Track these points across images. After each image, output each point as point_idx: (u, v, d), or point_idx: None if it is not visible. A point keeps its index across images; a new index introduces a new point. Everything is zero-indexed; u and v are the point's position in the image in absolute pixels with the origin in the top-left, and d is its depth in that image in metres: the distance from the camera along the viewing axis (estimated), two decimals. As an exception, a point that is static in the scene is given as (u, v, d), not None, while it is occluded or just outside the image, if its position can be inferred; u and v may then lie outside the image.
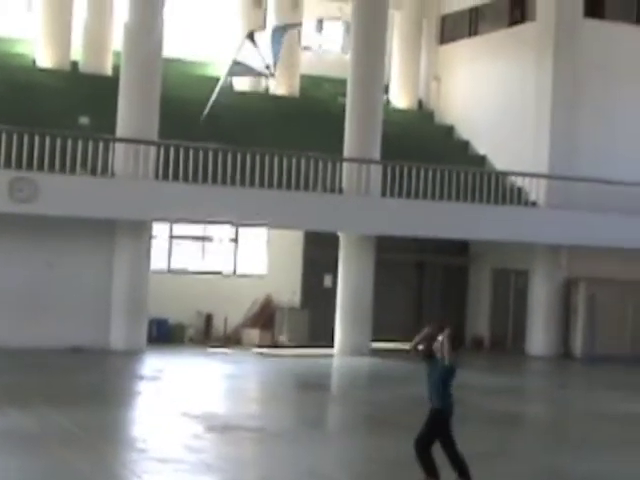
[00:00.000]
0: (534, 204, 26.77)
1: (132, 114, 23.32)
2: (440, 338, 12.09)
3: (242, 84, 29.52)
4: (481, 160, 29.41)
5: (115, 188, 22.68)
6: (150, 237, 23.97)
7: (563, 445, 15.53)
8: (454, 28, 31.82)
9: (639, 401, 20.03)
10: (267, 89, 29.97)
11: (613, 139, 27.75)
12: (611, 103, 27.85)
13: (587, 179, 26.47)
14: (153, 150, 23.18)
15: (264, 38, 25.96)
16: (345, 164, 24.94)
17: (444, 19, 32.29)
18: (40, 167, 21.94)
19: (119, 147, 23.10)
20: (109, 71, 27.56)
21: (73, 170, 22.34)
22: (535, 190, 26.63)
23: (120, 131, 23.38)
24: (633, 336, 27.06)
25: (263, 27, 29.60)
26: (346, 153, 25.17)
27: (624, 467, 13.55)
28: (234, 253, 26.89)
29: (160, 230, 25.52)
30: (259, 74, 25.77)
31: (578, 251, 27.05)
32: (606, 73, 27.70)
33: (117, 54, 25.69)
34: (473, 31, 31.10)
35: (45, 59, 27.59)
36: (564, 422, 18.08)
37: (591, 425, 17.39)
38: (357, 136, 25.17)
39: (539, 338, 27.22)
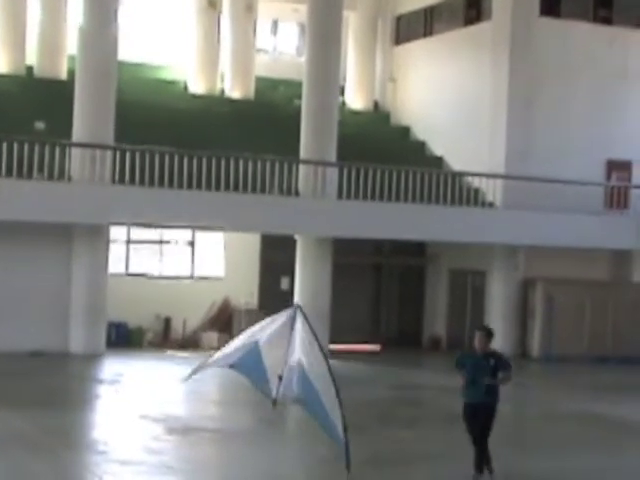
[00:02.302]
0: (491, 205, 26.89)
1: (88, 118, 23.17)
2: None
3: (197, 87, 29.44)
4: (437, 161, 29.50)
5: (72, 193, 22.54)
6: (108, 241, 23.83)
7: (520, 445, 15.60)
8: (409, 28, 31.89)
9: (596, 401, 20.13)
10: (222, 92, 29.88)
11: (569, 138, 27.92)
12: (567, 102, 28.02)
13: (544, 179, 26.61)
14: (109, 154, 23.05)
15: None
16: (301, 166, 24.92)
17: (399, 19, 32.35)
18: (-4, 172, 21.76)
19: (75, 152, 22.94)
20: (64, 75, 27.38)
21: (30, 175, 22.17)
22: (492, 190, 26.75)
23: (76, 135, 23.22)
24: (590, 336, 27.22)
25: (217, 29, 29.54)
26: (302, 155, 25.16)
27: (580, 466, 13.63)
28: (191, 256, 26.78)
29: (118, 234, 25.36)
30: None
31: (535, 251, 27.20)
32: (562, 72, 27.85)
33: (72, 58, 25.54)
34: (428, 31, 31.18)
35: (0, 64, 27.35)
36: (521, 422, 18.16)
37: (548, 425, 17.46)
38: (313, 138, 25.16)
39: (496, 338, 26.98)
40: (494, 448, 15.17)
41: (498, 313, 27.31)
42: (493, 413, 12.56)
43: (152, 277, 26.21)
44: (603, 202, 28.00)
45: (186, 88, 29.63)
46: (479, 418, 12.45)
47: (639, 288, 28.29)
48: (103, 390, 19.32)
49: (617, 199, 28.00)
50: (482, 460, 12.33)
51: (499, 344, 27.00)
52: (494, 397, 12.59)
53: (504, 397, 21.16)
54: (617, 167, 28.50)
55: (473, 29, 29.18)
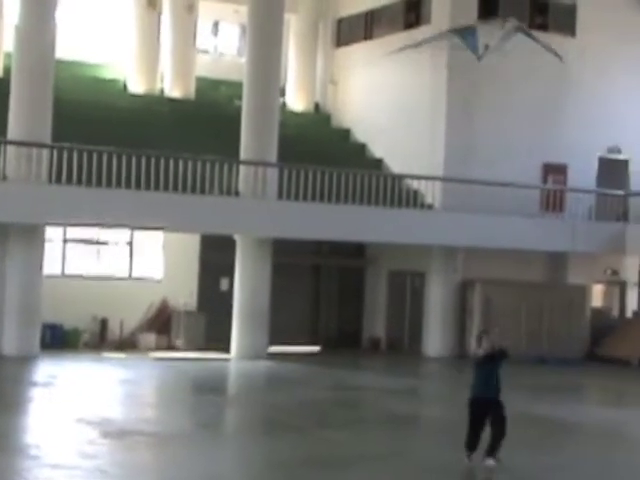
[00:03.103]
0: (430, 207, 27.04)
1: (24, 116, 22.88)
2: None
3: (136, 86, 29.24)
4: (377, 163, 29.61)
5: (7, 192, 22.21)
6: (43, 241, 23.55)
7: (456, 446, 15.66)
8: (350, 31, 31.95)
9: (534, 402, 20.33)
10: (162, 91, 29.71)
11: (507, 142, 28.17)
12: (505, 106, 28.29)
13: (482, 182, 26.82)
14: (46, 153, 22.78)
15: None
16: (241, 167, 24.85)
17: (340, 22, 32.41)
18: None
19: (11, 150, 22.64)
20: (0, 73, 27.00)
21: (-37, 173, 21.87)
22: (431, 193, 26.90)
23: (12, 133, 22.92)
24: (528, 337, 27.49)
25: (157, 29, 29.38)
26: (242, 156, 25.09)
27: (521, 467, 13.71)
28: (130, 257, 26.58)
29: (54, 234, 25.07)
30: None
31: (474, 253, 27.41)
32: (500, 77, 28.12)
33: (8, 56, 25.21)
34: (369, 34, 31.26)
35: None
36: (458, 423, 18.20)
37: (488, 426, 17.54)
38: (253, 139, 25.11)
39: (435, 339, 27.51)
40: (437, 449, 15.31)
41: (437, 314, 27.50)
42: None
43: (89, 278, 25.94)
44: (539, 205, 28.29)
45: (125, 87, 29.42)
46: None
47: (574, 290, 28.63)
48: (36, 393, 19.04)
49: (553, 202, 28.30)
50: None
51: (438, 345, 27.38)
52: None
53: (441, 400, 21.43)
54: (553, 170, 28.83)
55: (413, 33, 29.25)
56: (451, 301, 27.58)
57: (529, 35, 26.22)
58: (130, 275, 26.56)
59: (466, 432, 13.48)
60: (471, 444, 13.36)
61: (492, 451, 13.16)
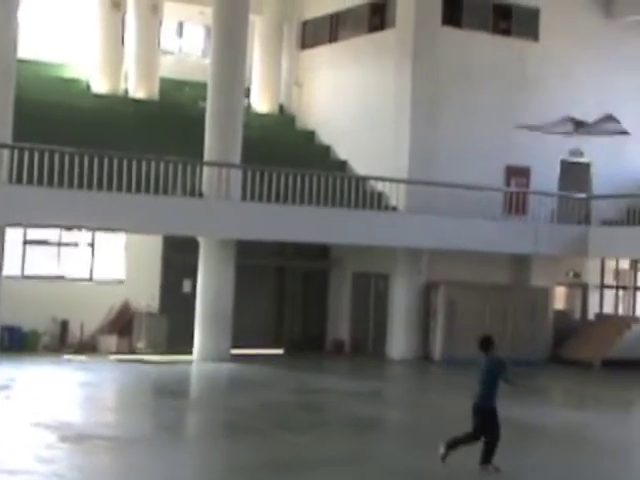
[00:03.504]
0: (394, 209, 27.04)
1: (-15, 117, 22.60)
2: None
3: (100, 86, 29.05)
4: (342, 165, 29.59)
5: (-33, 192, 21.96)
6: (3, 242, 23.27)
7: (420, 448, 15.68)
8: (315, 34, 31.95)
9: (498, 404, 20.30)
10: (126, 92, 29.52)
11: (471, 144, 28.24)
12: (469, 109, 28.37)
13: (446, 184, 26.86)
14: (7, 153, 22.50)
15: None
16: (205, 168, 24.74)
17: (305, 24, 32.39)
18: None
19: (-30, 150, 22.39)
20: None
21: None
22: (395, 195, 26.90)
23: (-29, 134, 22.66)
24: (491, 339, 27.52)
25: (121, 29, 29.20)
26: (206, 157, 24.98)
27: (478, 468, 13.71)
28: (91, 258, 26.36)
29: (14, 235, 24.79)
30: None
31: (438, 255, 27.45)
32: (464, 80, 28.23)
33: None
34: (334, 37, 31.27)
35: None
36: (422, 425, 18.26)
37: (449, 427, 17.54)
38: (217, 140, 25.00)
39: (399, 342, 27.51)
40: (400, 452, 15.29)
41: (401, 316, 27.51)
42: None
43: (49, 279, 25.70)
44: (503, 207, 28.39)
45: (89, 87, 29.20)
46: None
47: (537, 292, 28.75)
48: (-6, 396, 18.85)
49: (516, 205, 28.41)
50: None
51: (402, 348, 27.38)
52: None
53: (403, 401, 21.43)
54: (516, 173, 28.94)
55: (377, 36, 29.35)
56: (415, 303, 27.59)
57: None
58: (91, 277, 26.32)
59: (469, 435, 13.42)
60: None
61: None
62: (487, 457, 13.30)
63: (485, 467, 13.28)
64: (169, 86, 30.04)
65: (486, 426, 13.27)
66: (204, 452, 14.71)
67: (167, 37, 31.16)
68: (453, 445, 13.44)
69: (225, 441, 15.80)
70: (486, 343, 13.56)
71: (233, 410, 18.36)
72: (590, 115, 29.65)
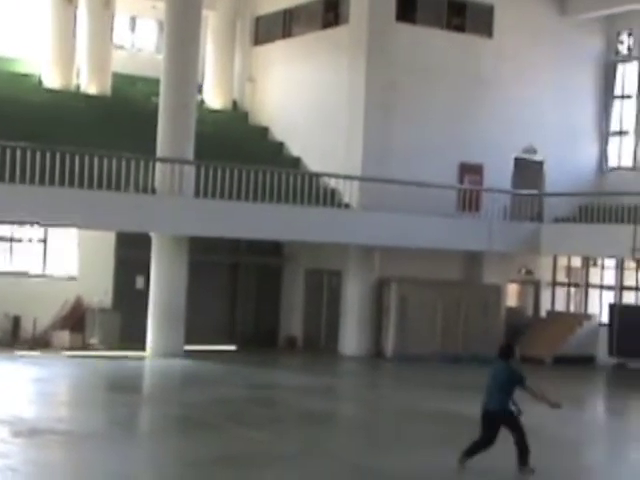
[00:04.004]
0: (347, 206, 27.07)
1: None
2: None
3: (52, 81, 28.81)
4: (295, 161, 29.58)
5: None
6: (-46, 238, 23.05)
7: (373, 444, 15.74)
8: (268, 29, 31.90)
9: (447, 399, 20.48)
10: (78, 87, 29.29)
11: (425, 142, 28.34)
12: (423, 106, 28.46)
13: (399, 181, 26.94)
14: (-43, 148, 22.30)
15: None
16: (158, 164, 24.61)
17: (258, 20, 32.34)
18: None
19: None
20: None
21: None
22: (348, 192, 26.93)
23: None
24: (443, 335, 27.72)
25: (74, 23, 28.98)
26: (159, 153, 24.86)
27: (432, 464, 13.78)
28: (43, 254, 26.15)
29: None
30: None
31: (390, 252, 27.53)
32: (418, 77, 28.30)
33: None
34: (287, 33, 31.24)
35: None
36: (375, 421, 18.33)
37: (401, 423, 17.68)
38: (170, 136, 24.88)
39: (352, 338, 27.56)
40: (348, 446, 15.34)
41: (353, 313, 27.56)
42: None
43: (1, 275, 25.45)
44: (456, 204, 28.52)
45: (40, 82, 28.96)
46: None
47: (489, 289, 28.93)
48: (-54, 392, 18.66)
49: (469, 202, 28.55)
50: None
51: (354, 344, 27.45)
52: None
53: (355, 397, 21.50)
54: (469, 170, 29.08)
55: (331, 32, 29.37)
56: (367, 300, 27.65)
57: None
58: (44, 272, 26.15)
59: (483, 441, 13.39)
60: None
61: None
62: (523, 459, 13.22)
63: (523, 469, 13.21)
64: (122, 81, 29.85)
65: (512, 427, 13.19)
66: (157, 447, 14.67)
67: (120, 32, 30.96)
68: (470, 453, 13.27)
69: (178, 436, 15.75)
70: (507, 351, 13.37)
71: (186, 405, 18.30)
72: (545, 113, 30.04)
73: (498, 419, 13.17)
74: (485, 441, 13.23)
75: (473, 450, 13.26)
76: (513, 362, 13.33)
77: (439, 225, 27.29)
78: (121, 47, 31.10)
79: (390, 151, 27.74)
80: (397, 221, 26.68)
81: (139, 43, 31.87)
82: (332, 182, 27.27)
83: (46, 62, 28.89)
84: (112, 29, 29.77)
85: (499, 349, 13.50)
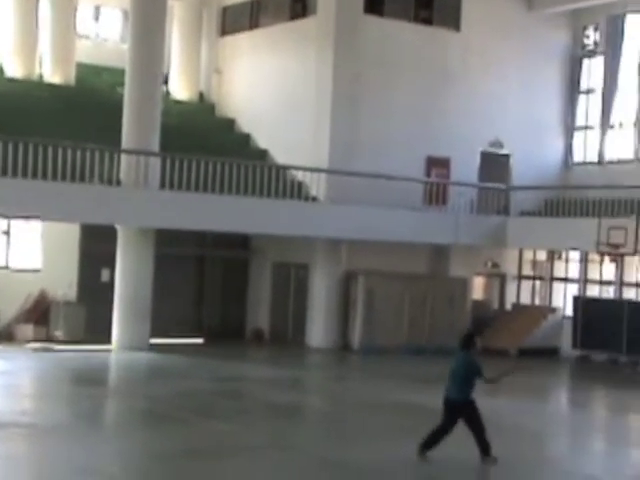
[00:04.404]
0: (314, 199, 26.99)
1: None
2: None
3: (14, 70, 28.49)
4: (262, 154, 29.45)
5: None
6: None
7: (338, 436, 15.71)
8: (235, 20, 31.73)
9: (413, 391, 20.48)
10: (41, 77, 29.00)
11: (392, 135, 28.31)
12: (391, 99, 28.42)
13: (366, 174, 26.89)
14: None
15: None
16: (123, 155, 24.38)
17: (225, 11, 32.15)
18: None
19: None
20: None
21: None
22: (315, 185, 26.84)
23: None
24: (410, 328, 27.73)
25: (36, 13, 28.64)
26: (124, 144, 24.64)
27: (396, 455, 13.75)
28: (7, 246, 25.87)
29: None
30: None
31: (357, 245, 27.48)
32: (385, 69, 28.26)
33: None
34: (254, 24, 31.09)
35: None
36: (341, 413, 18.30)
37: (366, 415, 17.65)
38: (135, 127, 24.67)
39: (319, 330, 27.50)
40: (314, 438, 15.30)
41: (320, 306, 27.50)
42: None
43: (-36, 267, 25.22)
44: (423, 198, 28.52)
45: (2, 71, 28.63)
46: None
47: (455, 282, 28.97)
48: None
49: (436, 195, 28.55)
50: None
51: (321, 337, 27.40)
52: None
53: (322, 389, 21.45)
54: (436, 164, 29.09)
55: (298, 23, 29.25)
56: (334, 292, 27.59)
57: None
58: (7, 265, 25.86)
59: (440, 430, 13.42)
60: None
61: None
62: (484, 449, 13.27)
63: (486, 459, 13.27)
64: (86, 71, 29.59)
65: (468, 419, 13.24)
66: (123, 440, 14.55)
67: (84, 21, 30.67)
68: (428, 445, 13.31)
69: (144, 429, 15.62)
70: (468, 341, 13.49)
71: (152, 398, 18.17)
72: (512, 107, 30.10)
73: (457, 408, 13.22)
74: (442, 429, 13.28)
75: (431, 441, 13.30)
76: (473, 352, 13.45)
77: (406, 218, 27.27)
78: (85, 37, 30.82)
79: (357, 144, 27.69)
80: (364, 214, 26.63)
81: (103, 33, 31.61)
82: (299, 175, 27.17)
83: (8, 51, 28.58)
84: (75, 18, 29.47)
85: (460, 339, 13.66)
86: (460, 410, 13.27)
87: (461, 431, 13.35)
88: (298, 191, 26.51)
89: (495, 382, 13.62)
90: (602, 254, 26.79)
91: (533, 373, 24.92)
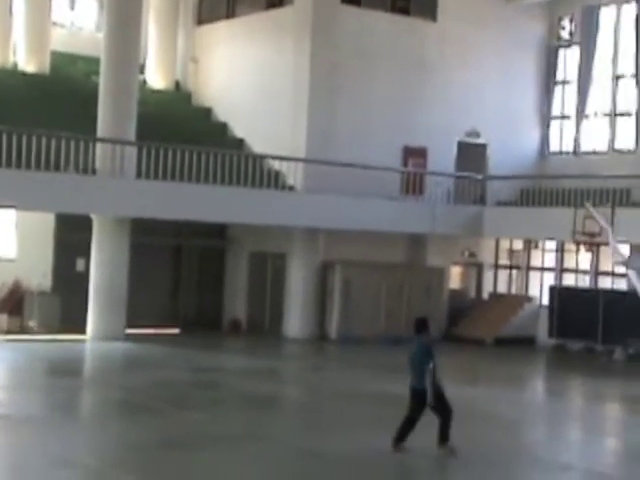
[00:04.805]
0: (291, 188, 26.93)
1: None
2: None
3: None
4: (239, 143, 29.33)
5: None
6: None
7: (315, 426, 15.70)
8: (212, 9, 31.56)
9: (390, 381, 20.42)
10: (16, 65, 28.78)
11: (369, 124, 28.26)
12: (368, 89, 28.36)
13: (343, 163, 26.83)
14: None
15: None
16: (99, 145, 24.25)
17: (202, 0, 31.99)
18: None
19: None
20: None
21: None
22: (293, 174, 26.79)
23: None
24: (387, 317, 27.74)
25: (10, 3, 28.40)
26: (100, 133, 24.50)
27: (373, 444, 13.73)
28: (-19, 236, 25.75)
29: None
30: None
31: (335, 235, 27.46)
32: (363, 59, 28.19)
33: None
34: (231, 13, 30.95)
35: None
36: (317, 403, 18.28)
37: (343, 405, 17.64)
38: (111, 116, 24.53)
39: (296, 320, 27.47)
40: (290, 428, 15.27)
41: (297, 296, 27.46)
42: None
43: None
44: (400, 187, 28.50)
45: (-24, 60, 28.41)
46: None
47: (433, 271, 29.01)
48: None
49: (413, 185, 28.54)
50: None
51: (298, 327, 27.37)
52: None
53: (298, 379, 21.42)
54: (413, 154, 29.05)
55: (275, 13, 29.15)
56: (312, 282, 27.57)
57: None
58: (-19, 255, 25.73)
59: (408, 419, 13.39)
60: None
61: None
62: (443, 437, 13.25)
63: (443, 446, 13.24)
64: (61, 60, 29.38)
65: (423, 407, 13.21)
66: (98, 431, 14.48)
67: (59, 9, 30.42)
68: (401, 437, 13.29)
69: (119, 420, 15.56)
70: (421, 326, 13.50)
71: (128, 389, 18.09)
72: (488, 97, 30.09)
73: (423, 396, 13.19)
74: (410, 419, 13.28)
75: (403, 433, 13.29)
76: (426, 337, 13.51)
77: (383, 208, 27.25)
78: (60, 25, 30.58)
79: (334, 133, 27.65)
80: (341, 204, 26.59)
81: (79, 21, 31.35)
82: (276, 164, 27.10)
83: (-18, 40, 28.36)
84: (50, 6, 29.23)
85: (414, 325, 13.67)
86: (424, 398, 13.21)
87: (434, 420, 13.33)
88: (275, 180, 26.43)
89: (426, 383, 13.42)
90: (578, 243, 26.81)
91: (510, 363, 25.07)
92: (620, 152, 29.72)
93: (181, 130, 27.93)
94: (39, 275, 25.65)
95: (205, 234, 28.33)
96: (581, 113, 30.51)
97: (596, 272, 28.41)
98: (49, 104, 26.77)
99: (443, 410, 13.26)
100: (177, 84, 31.77)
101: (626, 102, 29.70)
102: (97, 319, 24.53)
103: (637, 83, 28.38)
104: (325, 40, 27.52)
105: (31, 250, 25.84)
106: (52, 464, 12.10)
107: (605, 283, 28.32)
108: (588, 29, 30.34)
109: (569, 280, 29.34)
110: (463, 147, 30.13)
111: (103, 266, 24.57)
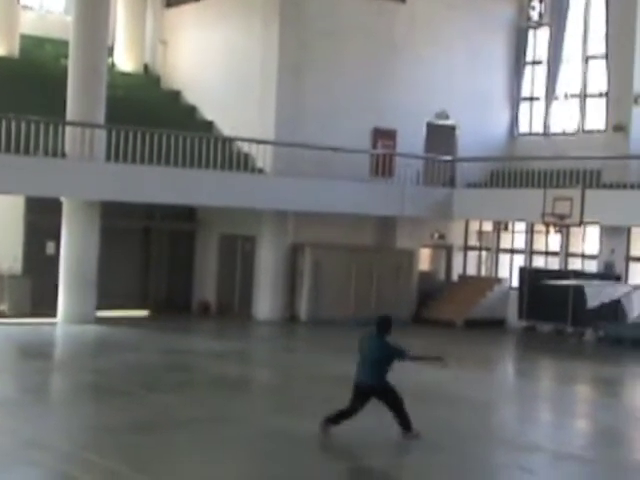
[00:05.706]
0: (261, 171, 26.95)
1: None
2: None
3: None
4: (208, 126, 29.30)
5: None
6: None
7: (286, 407, 15.77)
8: (180, -9, 31.51)
9: (352, 363, 20.52)
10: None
11: (338, 106, 28.27)
12: (337, 70, 28.36)
13: (312, 146, 26.87)
14: None
15: None
16: (68, 128, 24.17)
17: (170, -19, 31.92)
18: None
19: None
20: None
21: None
22: (262, 157, 26.79)
23: None
24: (356, 299, 27.86)
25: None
26: (69, 116, 24.41)
27: (342, 425, 13.79)
28: (-51, 220, 25.59)
29: None
30: None
31: (304, 217, 27.52)
32: (331, 41, 28.16)
33: None
34: (200, -5, 30.91)
35: None
36: (287, 385, 18.36)
37: (313, 387, 17.75)
38: (80, 99, 24.43)
39: (265, 303, 27.55)
40: (259, 409, 15.36)
41: (267, 278, 27.54)
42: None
43: None
44: (369, 170, 28.58)
45: (-56, 43, 28.19)
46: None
47: (402, 253, 29.14)
48: None
49: (382, 167, 28.63)
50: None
51: (268, 309, 27.45)
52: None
53: (268, 361, 21.49)
54: (383, 135, 29.12)
55: (244, -4, 29.09)
56: (281, 265, 27.65)
57: None
58: (-50, 239, 25.60)
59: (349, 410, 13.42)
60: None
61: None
62: (405, 426, 13.26)
63: (407, 435, 13.25)
64: (30, 43, 29.22)
65: (386, 401, 13.25)
66: (69, 414, 14.51)
67: (27, -8, 30.28)
68: (334, 420, 13.34)
69: (90, 403, 15.60)
70: (384, 325, 13.32)
71: (98, 372, 18.11)
72: (457, 78, 30.13)
73: (373, 393, 13.25)
74: (351, 411, 13.31)
75: (337, 419, 13.33)
76: (388, 337, 13.34)
77: (352, 190, 27.32)
78: (29, 8, 30.38)
79: (303, 116, 27.67)
80: (310, 186, 26.66)
81: (48, 4, 31.15)
82: (245, 147, 27.10)
83: (-50, 23, 28.13)
84: (19, -11, 29.09)
85: (377, 322, 13.44)
86: (378, 395, 13.24)
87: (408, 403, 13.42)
88: (244, 163, 26.44)
89: (417, 361, 13.51)
90: (547, 225, 27.03)
91: (480, 345, 25.27)
92: (590, 133, 29.87)
93: (150, 113, 27.89)
94: (9, 258, 25.58)
95: (175, 217, 28.34)
96: (551, 94, 30.67)
97: (566, 253, 28.60)
98: (18, 87, 26.62)
99: (394, 402, 13.23)
100: (146, 67, 31.67)
101: (596, 83, 29.83)
102: (67, 302, 24.51)
103: (607, 64, 28.48)
104: (294, 21, 27.49)
105: (1, 234, 25.74)
106: (23, 447, 12.15)
107: (575, 265, 28.51)
108: (558, 9, 30.45)
109: (539, 262, 29.53)
110: (432, 129, 30.21)
111: (73, 249, 24.54)
